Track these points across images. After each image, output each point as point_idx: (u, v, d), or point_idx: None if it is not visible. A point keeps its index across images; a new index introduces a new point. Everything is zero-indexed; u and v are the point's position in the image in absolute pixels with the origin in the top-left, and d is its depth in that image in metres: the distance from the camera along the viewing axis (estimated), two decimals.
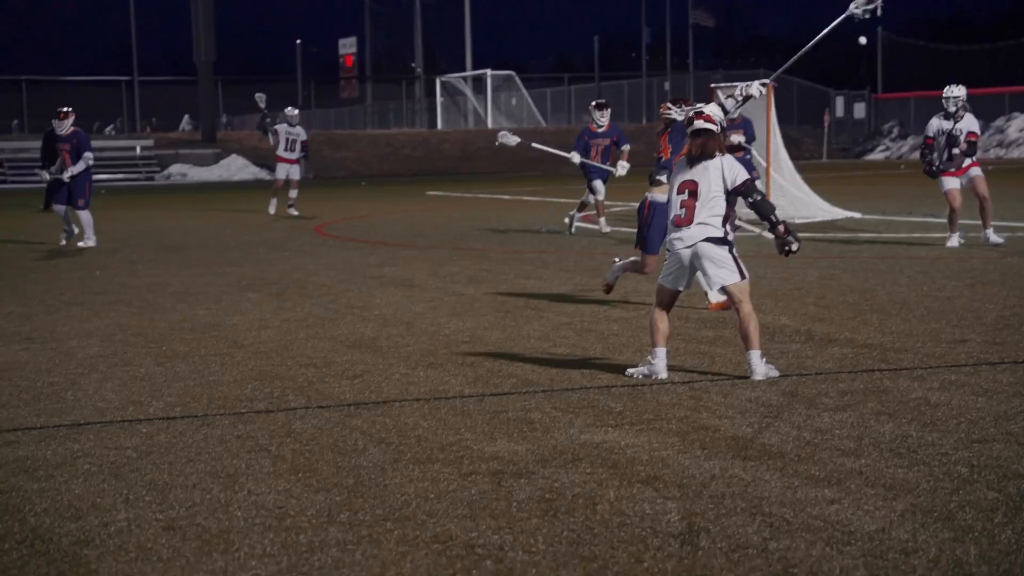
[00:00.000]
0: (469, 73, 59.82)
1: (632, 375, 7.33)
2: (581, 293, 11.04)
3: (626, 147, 16.72)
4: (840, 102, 51.83)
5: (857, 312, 9.47)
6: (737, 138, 17.55)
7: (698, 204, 7.18)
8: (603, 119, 17.08)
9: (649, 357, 7.38)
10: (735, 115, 17.72)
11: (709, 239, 7.19)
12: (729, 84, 20.44)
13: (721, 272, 7.19)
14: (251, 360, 8.12)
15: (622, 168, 15.97)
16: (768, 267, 12.66)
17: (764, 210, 7.26)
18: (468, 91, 59.03)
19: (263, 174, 45.51)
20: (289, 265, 14.21)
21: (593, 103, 17.48)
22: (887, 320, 9.03)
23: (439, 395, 6.98)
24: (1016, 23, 64.18)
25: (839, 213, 18.66)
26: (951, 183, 14.17)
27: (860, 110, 51.95)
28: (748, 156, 17.88)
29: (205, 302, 11.08)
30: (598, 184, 17.13)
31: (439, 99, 58.61)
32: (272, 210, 23.05)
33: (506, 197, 27.96)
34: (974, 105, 54.58)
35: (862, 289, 10.78)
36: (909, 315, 9.23)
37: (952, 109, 14.16)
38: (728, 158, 7.26)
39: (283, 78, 61.93)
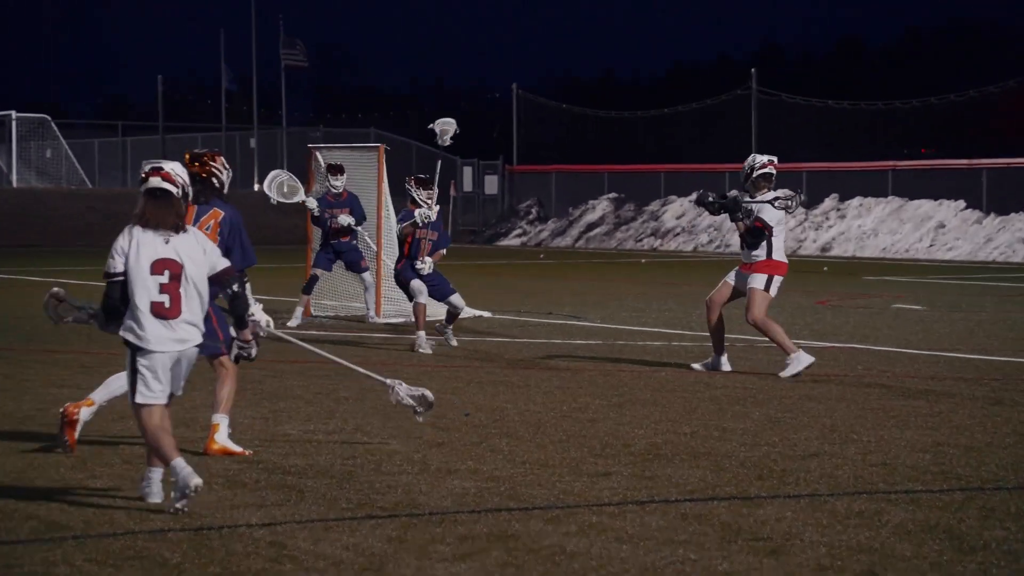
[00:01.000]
0: None
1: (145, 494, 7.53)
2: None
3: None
4: (468, 173, 53.67)
5: (483, 436, 9.77)
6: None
7: (183, 292, 7.42)
8: (339, 184, 18.11)
9: (147, 477, 7.54)
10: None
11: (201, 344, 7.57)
12: (332, 146, 20.80)
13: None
14: None
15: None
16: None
17: (239, 308, 8.00)
18: None
19: None
20: None
21: (324, 164, 18.47)
22: (518, 447, 9.37)
23: None
24: (673, 88, 68.99)
25: (465, 311, 19.23)
26: (730, 278, 13.47)
27: (492, 184, 53.87)
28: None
29: None
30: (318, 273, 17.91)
31: None
32: None
33: (35, 279, 27.08)
34: (623, 185, 57.45)
35: (489, 407, 11.12)
36: (545, 440, 9.61)
37: (742, 178, 13.57)
38: (200, 234, 7.73)
39: None
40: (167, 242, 7.43)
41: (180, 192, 7.50)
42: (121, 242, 7.44)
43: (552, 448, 9.33)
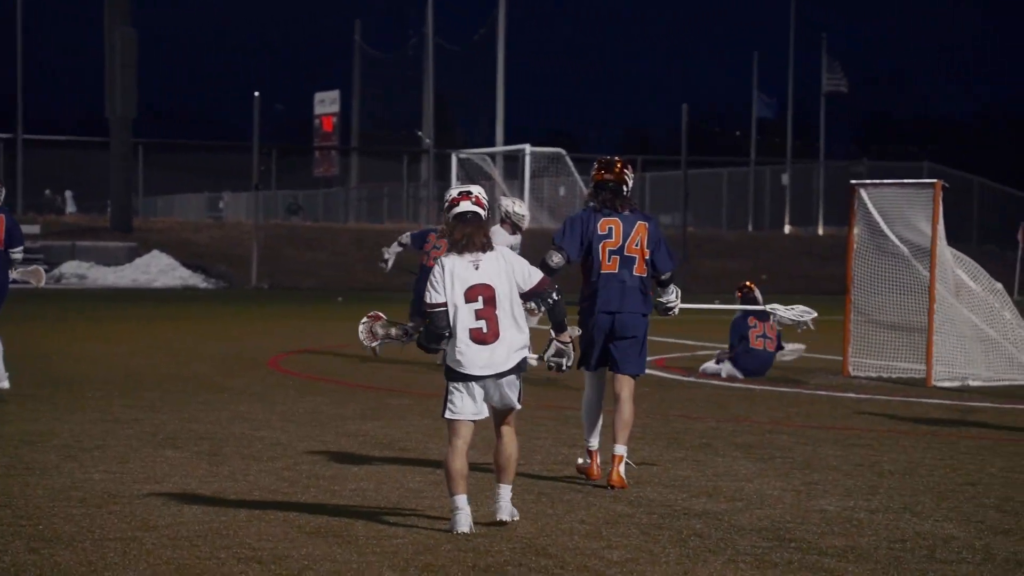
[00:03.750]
0: (500, 149, 60.52)
1: None
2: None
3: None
4: None
5: None
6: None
7: (500, 314, 8.66)
8: None
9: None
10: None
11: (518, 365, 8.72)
12: (877, 182, 20.58)
13: (513, 394, 8.78)
14: (166, 550, 8.13)
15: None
16: (929, 449, 12.64)
17: (558, 315, 9.01)
18: (496, 173, 59.61)
19: (197, 279, 45.92)
20: (228, 413, 14.28)
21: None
22: None
23: None
24: None
25: None
26: None
27: None
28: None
29: (104, 461, 11.14)
30: None
31: (455, 182, 59.20)
32: None
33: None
34: None
35: None
36: None
37: None
38: (507, 252, 8.81)
39: (238, 144, 62.68)
40: (477, 267, 8.69)
41: (485, 212, 8.76)
42: (436, 274, 8.72)
43: None
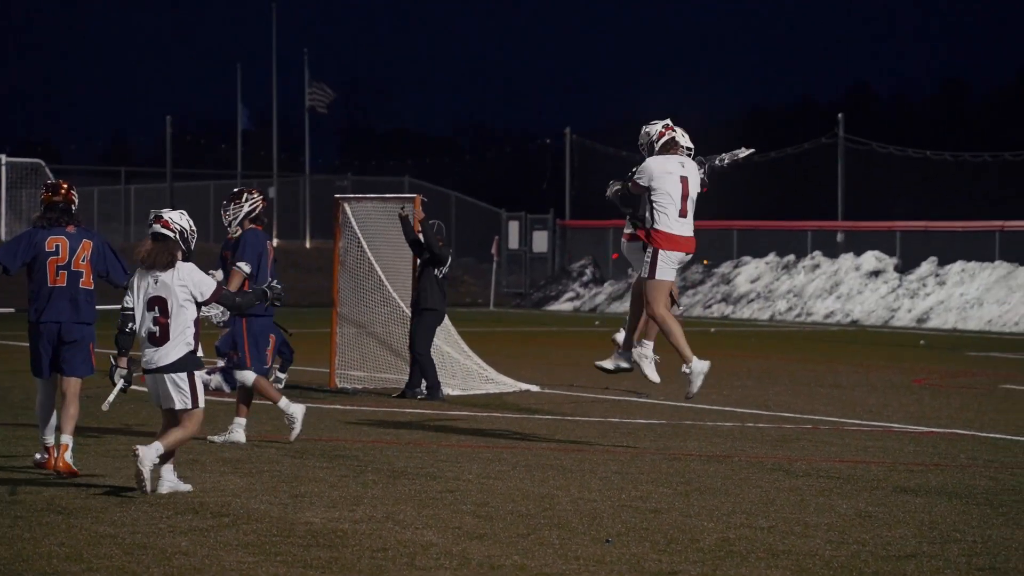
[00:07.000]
0: None
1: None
2: None
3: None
4: (515, 229, 53.64)
5: (531, 527, 9.78)
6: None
7: (171, 322, 10.57)
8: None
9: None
10: (236, 228, 16.47)
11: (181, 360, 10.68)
12: (361, 196, 20.91)
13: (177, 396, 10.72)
14: None
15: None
16: (412, 457, 12.91)
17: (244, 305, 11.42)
18: None
19: None
20: None
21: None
22: (571, 540, 9.36)
23: None
24: (749, 135, 68.88)
25: (510, 385, 19.27)
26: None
27: (541, 241, 53.78)
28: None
29: None
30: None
31: None
32: None
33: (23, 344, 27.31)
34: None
35: (538, 495, 11.13)
36: (601, 532, 9.61)
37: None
38: (185, 268, 10.64)
39: None
40: (156, 281, 10.61)
41: (176, 236, 10.67)
42: (130, 285, 10.78)
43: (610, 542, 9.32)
